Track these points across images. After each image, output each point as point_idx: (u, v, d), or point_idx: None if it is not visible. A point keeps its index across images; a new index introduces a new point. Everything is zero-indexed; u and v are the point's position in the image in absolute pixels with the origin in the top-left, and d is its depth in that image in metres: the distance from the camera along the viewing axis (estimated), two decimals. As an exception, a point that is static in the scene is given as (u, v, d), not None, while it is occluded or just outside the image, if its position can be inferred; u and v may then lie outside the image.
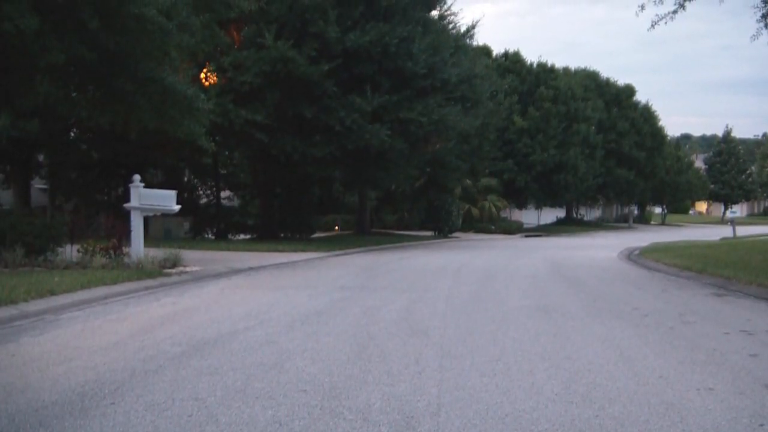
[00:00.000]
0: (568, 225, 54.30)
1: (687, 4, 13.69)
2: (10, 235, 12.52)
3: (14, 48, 11.39)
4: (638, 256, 19.64)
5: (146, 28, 11.98)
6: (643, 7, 14.03)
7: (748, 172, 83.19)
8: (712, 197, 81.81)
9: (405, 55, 22.62)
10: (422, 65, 22.86)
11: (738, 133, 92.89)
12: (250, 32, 21.62)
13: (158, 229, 23.35)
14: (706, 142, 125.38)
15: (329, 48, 21.54)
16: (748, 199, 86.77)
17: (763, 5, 13.51)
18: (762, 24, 13.62)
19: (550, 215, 56.21)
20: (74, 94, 14.92)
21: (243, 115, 20.87)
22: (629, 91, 59.19)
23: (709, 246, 22.39)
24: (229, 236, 27.20)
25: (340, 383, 4.81)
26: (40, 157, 26.10)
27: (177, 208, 14.15)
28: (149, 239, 16.00)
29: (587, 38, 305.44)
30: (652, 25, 14.14)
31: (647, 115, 59.72)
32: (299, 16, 21.72)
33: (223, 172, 29.83)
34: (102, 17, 11.52)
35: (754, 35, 13.90)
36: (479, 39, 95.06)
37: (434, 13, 27.04)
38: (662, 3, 13.75)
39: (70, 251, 13.22)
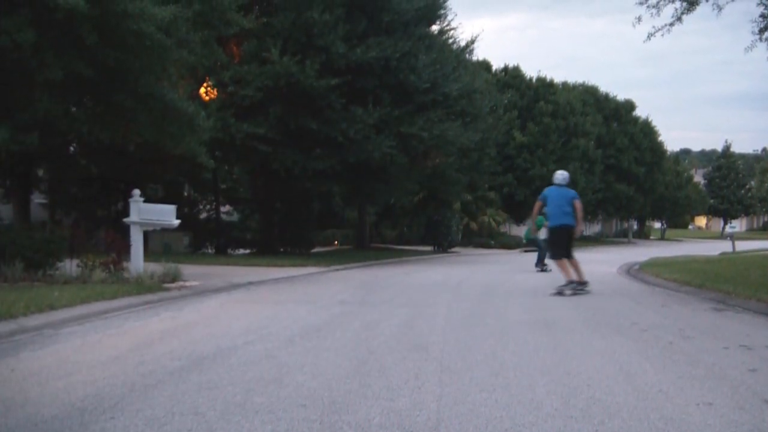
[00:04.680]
0: (567, 240, 54.22)
1: (684, 17, 13.76)
2: (9, 249, 12.51)
3: (12, 63, 11.43)
4: (638, 271, 19.64)
5: (145, 45, 12.02)
6: (639, 19, 14.09)
7: (747, 187, 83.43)
8: (712, 212, 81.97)
9: (407, 69, 22.70)
10: (425, 80, 22.95)
11: (737, 148, 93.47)
12: (252, 47, 21.69)
13: (158, 243, 23.36)
14: (706, 157, 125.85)
15: (333, 62, 21.62)
16: (747, 214, 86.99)
17: (762, 20, 13.58)
18: (758, 37, 13.68)
19: (550, 230, 56.11)
20: (73, 109, 14.96)
21: (245, 129, 20.91)
22: (629, 106, 59.45)
23: (708, 261, 22.38)
24: (229, 251, 27.19)
25: (340, 398, 4.81)
26: (40, 172, 26.12)
27: (177, 222, 14.16)
28: (149, 254, 15.98)
29: (586, 52, 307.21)
30: (648, 37, 14.19)
31: (647, 130, 59.97)
32: (304, 31, 21.79)
33: (223, 186, 29.89)
34: (100, 33, 11.55)
35: (748, 47, 13.94)
36: (479, 54, 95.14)
37: (434, 28, 27.19)
38: (659, 15, 13.81)
39: (70, 266, 13.21)
